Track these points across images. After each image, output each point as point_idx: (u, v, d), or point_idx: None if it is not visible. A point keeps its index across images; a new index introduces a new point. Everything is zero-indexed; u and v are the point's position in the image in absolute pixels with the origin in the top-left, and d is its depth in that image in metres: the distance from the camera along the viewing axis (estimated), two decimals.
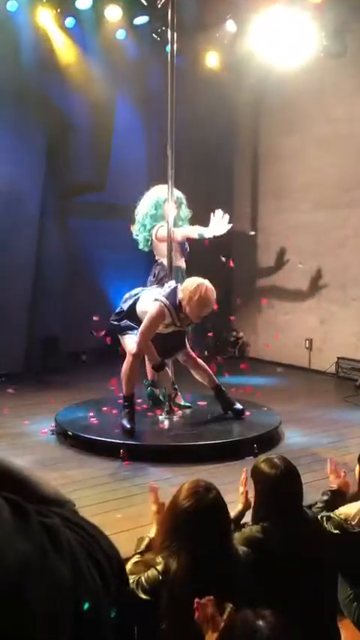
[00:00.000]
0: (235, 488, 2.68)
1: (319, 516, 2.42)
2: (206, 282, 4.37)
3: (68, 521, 0.71)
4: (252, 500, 2.44)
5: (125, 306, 4.76)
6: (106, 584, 0.70)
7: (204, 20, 7.34)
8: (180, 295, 4.37)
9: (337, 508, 2.53)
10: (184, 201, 5.30)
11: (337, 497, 2.64)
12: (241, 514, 2.45)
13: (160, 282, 4.93)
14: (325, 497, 2.64)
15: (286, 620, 1.47)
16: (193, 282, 4.39)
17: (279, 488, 2.22)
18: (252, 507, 2.35)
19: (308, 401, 6.28)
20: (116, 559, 0.75)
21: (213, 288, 4.37)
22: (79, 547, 0.69)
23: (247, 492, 2.50)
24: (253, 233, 7.92)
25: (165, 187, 4.99)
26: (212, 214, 4.90)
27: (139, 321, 4.58)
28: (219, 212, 4.87)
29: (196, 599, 1.61)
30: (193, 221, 5.34)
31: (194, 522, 1.87)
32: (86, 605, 0.66)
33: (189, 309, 4.34)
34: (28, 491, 0.72)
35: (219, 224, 4.84)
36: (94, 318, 5.98)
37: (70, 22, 7.02)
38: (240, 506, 2.46)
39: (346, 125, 7.50)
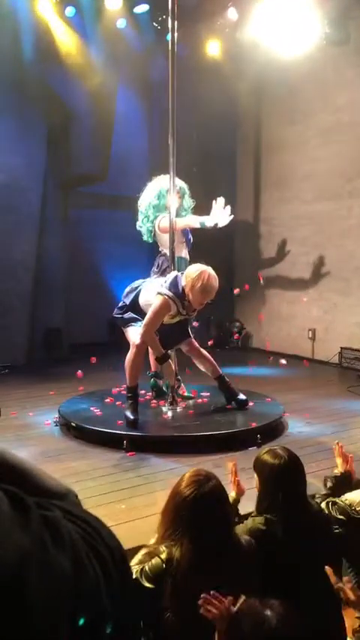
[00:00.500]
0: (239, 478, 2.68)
1: (324, 502, 2.45)
2: (209, 269, 4.37)
3: (69, 514, 0.71)
4: (244, 488, 2.48)
5: (127, 300, 4.75)
6: (107, 575, 0.69)
7: (205, 8, 7.27)
8: (183, 282, 4.36)
9: (342, 493, 2.55)
10: (187, 191, 5.27)
11: (342, 482, 2.65)
12: (236, 501, 2.45)
13: (163, 273, 4.92)
14: (330, 484, 2.65)
15: (294, 609, 1.48)
16: (195, 268, 4.39)
17: (282, 478, 2.22)
18: (256, 498, 2.35)
19: (312, 391, 6.28)
20: (118, 550, 0.74)
21: (215, 275, 4.38)
22: (80, 539, 0.68)
23: (238, 481, 2.51)
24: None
25: (167, 177, 4.97)
26: (214, 202, 4.88)
27: (142, 313, 4.57)
28: (220, 200, 4.85)
29: (203, 595, 1.62)
30: (195, 211, 5.31)
31: (196, 510, 1.89)
32: (85, 603, 0.66)
33: (192, 296, 4.34)
34: (29, 484, 0.72)
35: (220, 213, 4.82)
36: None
37: (70, 11, 6.97)
38: (233, 494, 2.45)
39: (349, 114, 7.45)
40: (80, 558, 0.66)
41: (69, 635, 0.63)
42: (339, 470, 2.72)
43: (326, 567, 1.86)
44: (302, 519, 2.17)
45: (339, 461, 2.75)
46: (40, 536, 0.63)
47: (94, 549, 0.69)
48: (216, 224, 4.83)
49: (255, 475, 2.36)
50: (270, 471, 2.24)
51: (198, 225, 4.91)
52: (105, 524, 0.76)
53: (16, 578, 0.59)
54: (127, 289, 4.85)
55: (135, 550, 2.07)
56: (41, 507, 0.67)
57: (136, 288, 4.77)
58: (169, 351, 4.75)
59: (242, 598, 1.56)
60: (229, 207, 4.82)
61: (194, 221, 4.95)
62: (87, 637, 0.67)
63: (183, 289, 4.37)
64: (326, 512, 2.40)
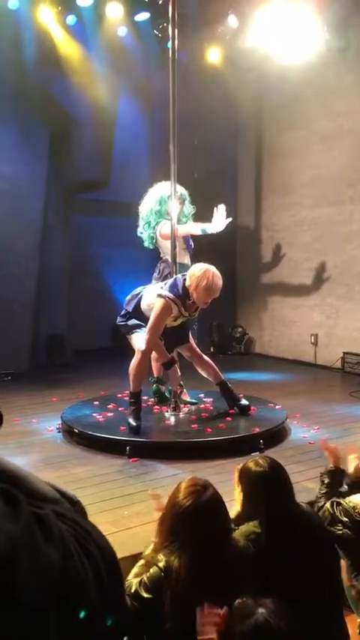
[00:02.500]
0: None
1: (329, 502, 2.46)
2: (212, 268, 4.40)
3: (62, 516, 0.73)
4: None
5: (130, 308, 4.76)
6: (97, 573, 0.71)
7: (205, 16, 7.32)
8: (187, 282, 4.38)
9: (340, 486, 2.58)
10: (187, 197, 5.30)
11: (337, 476, 2.67)
12: (241, 515, 2.46)
13: (164, 279, 4.93)
14: (327, 480, 2.66)
15: (287, 607, 1.48)
16: (200, 268, 4.41)
17: (264, 486, 2.26)
18: (240, 508, 2.38)
19: (314, 396, 6.28)
20: (108, 551, 0.76)
21: (219, 274, 4.41)
22: (71, 536, 0.70)
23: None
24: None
25: (168, 184, 4.99)
26: (215, 209, 4.90)
27: (145, 319, 4.59)
28: (221, 207, 4.88)
29: (198, 609, 1.62)
30: (197, 218, 5.34)
31: (195, 520, 1.89)
32: (75, 600, 0.67)
33: (196, 295, 4.36)
34: (22, 489, 0.73)
35: (221, 220, 4.86)
36: None
37: (71, 19, 7.01)
38: (239, 508, 2.47)
39: (349, 120, 7.48)
40: (70, 553, 0.68)
41: (60, 630, 0.64)
42: (331, 465, 2.74)
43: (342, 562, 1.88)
44: (285, 523, 2.18)
45: (326, 455, 2.78)
46: (30, 529, 0.65)
47: (84, 547, 0.71)
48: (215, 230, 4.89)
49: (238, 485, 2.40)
50: (254, 478, 2.29)
51: (199, 232, 4.95)
52: (97, 528, 0.78)
53: (4, 567, 0.60)
54: (129, 297, 4.86)
55: (137, 556, 2.07)
56: (32, 505, 0.69)
57: (138, 294, 4.79)
58: (175, 356, 4.76)
59: (230, 606, 1.57)
60: (223, 209, 4.86)
61: (195, 228, 5.00)
62: (78, 634, 0.69)
63: (185, 289, 4.38)
64: (331, 511, 2.42)
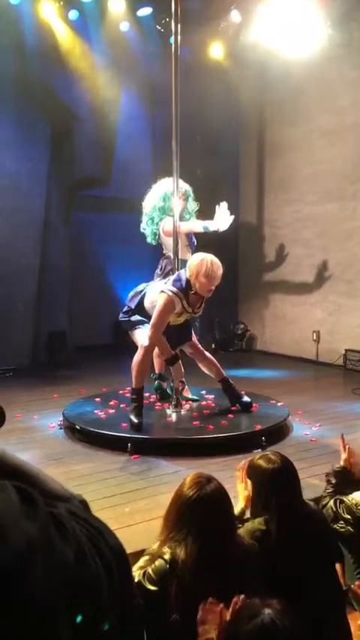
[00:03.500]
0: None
1: (332, 500, 2.45)
2: (210, 256, 4.41)
3: (74, 515, 0.74)
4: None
5: (132, 304, 4.74)
6: (109, 571, 0.73)
7: (208, 11, 7.28)
8: (187, 273, 4.38)
9: (346, 487, 2.57)
10: (191, 194, 5.28)
11: (344, 476, 2.66)
12: (242, 512, 2.46)
13: (166, 276, 4.92)
14: (334, 480, 2.65)
15: (293, 608, 1.48)
16: (197, 257, 4.43)
17: (276, 482, 2.25)
18: (250, 504, 2.37)
19: (316, 393, 6.27)
20: (119, 549, 0.78)
21: (218, 261, 4.41)
22: (83, 536, 0.72)
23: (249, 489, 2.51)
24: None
25: (170, 180, 4.97)
26: (217, 207, 4.89)
27: (148, 316, 4.57)
28: (223, 204, 4.87)
29: (202, 604, 1.62)
30: (199, 214, 5.32)
31: (199, 509, 1.91)
32: (85, 599, 0.69)
33: (198, 285, 4.36)
34: (36, 487, 0.73)
35: (224, 217, 4.85)
36: None
37: (73, 14, 6.99)
38: (241, 504, 2.47)
39: (353, 115, 7.44)
40: (83, 552, 0.70)
41: (71, 627, 0.66)
42: (341, 464, 2.73)
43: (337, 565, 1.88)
44: (295, 521, 2.17)
45: (343, 455, 2.77)
46: (46, 527, 0.67)
47: (97, 547, 0.73)
48: (218, 228, 4.87)
49: (248, 480, 2.40)
50: (264, 475, 2.27)
51: (202, 230, 4.95)
52: (107, 526, 0.79)
53: (22, 563, 0.62)
54: (132, 293, 4.84)
55: (139, 554, 2.07)
56: (47, 505, 0.70)
57: (141, 291, 4.77)
58: (178, 352, 4.75)
59: (239, 598, 1.57)
60: (224, 206, 4.85)
61: (198, 225, 4.99)
62: (86, 632, 0.69)
63: (187, 282, 4.38)
64: (334, 509, 2.42)
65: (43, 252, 7.64)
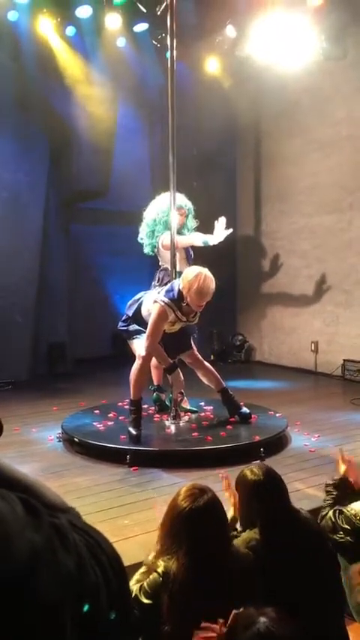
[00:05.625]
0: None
1: (332, 511, 2.46)
2: (205, 271, 4.40)
3: (74, 526, 0.75)
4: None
5: (130, 312, 4.79)
6: (107, 582, 0.73)
7: (204, 26, 7.36)
8: (180, 285, 4.39)
9: (344, 498, 2.58)
10: (192, 211, 5.33)
11: (343, 487, 2.66)
12: (234, 519, 2.47)
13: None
14: (334, 491, 2.66)
15: (289, 616, 1.48)
16: (192, 271, 4.43)
17: (259, 494, 2.26)
18: (239, 516, 2.38)
19: (315, 404, 6.27)
20: (117, 560, 0.78)
21: (212, 277, 4.40)
22: (83, 546, 0.73)
23: (234, 497, 2.52)
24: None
25: (178, 195, 5.01)
26: (216, 222, 4.92)
27: (145, 324, 4.60)
28: (222, 219, 4.90)
29: (196, 633, 1.62)
30: (197, 228, 5.35)
31: (191, 523, 1.90)
32: (87, 605, 0.70)
33: (189, 298, 4.37)
34: (36, 498, 0.74)
35: (222, 233, 4.89)
36: None
37: (70, 30, 7.07)
38: (232, 512, 2.48)
39: (347, 127, 7.51)
40: (84, 562, 0.71)
41: (75, 637, 0.67)
42: (338, 475, 2.74)
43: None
44: (284, 531, 2.18)
45: (342, 467, 2.77)
46: (50, 538, 0.67)
47: (96, 557, 0.74)
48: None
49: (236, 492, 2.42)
50: (250, 486, 2.30)
51: (201, 244, 5.00)
52: (105, 537, 0.80)
53: (27, 572, 0.63)
54: (130, 301, 4.90)
55: (137, 566, 2.07)
56: (49, 515, 0.71)
57: (139, 299, 4.82)
58: (176, 361, 4.76)
59: (234, 612, 1.57)
60: (223, 221, 4.89)
61: (197, 239, 5.03)
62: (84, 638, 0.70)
63: (179, 293, 4.39)
64: (333, 520, 2.42)
65: (42, 264, 7.67)
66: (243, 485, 2.34)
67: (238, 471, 2.43)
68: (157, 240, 5.20)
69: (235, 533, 2.30)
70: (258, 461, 4.08)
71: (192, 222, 5.33)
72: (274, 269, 8.72)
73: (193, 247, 5.23)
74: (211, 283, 4.38)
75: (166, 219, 5.12)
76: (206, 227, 5.15)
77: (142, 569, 1.99)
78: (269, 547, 2.12)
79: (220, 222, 4.92)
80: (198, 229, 5.27)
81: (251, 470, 2.35)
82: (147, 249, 5.32)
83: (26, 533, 0.65)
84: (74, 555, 0.69)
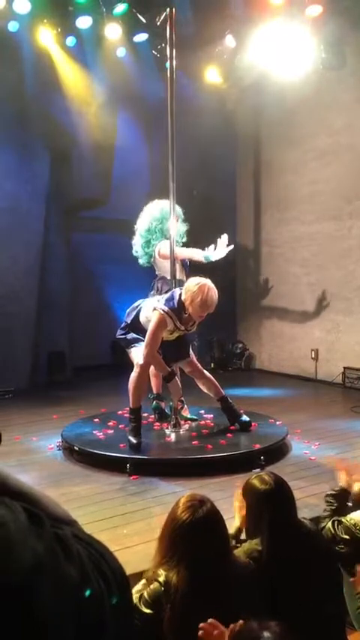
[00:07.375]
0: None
1: (330, 521, 2.44)
2: (208, 282, 4.40)
3: (77, 538, 0.75)
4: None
5: (129, 319, 4.79)
6: (110, 592, 0.74)
7: (203, 36, 7.40)
8: (183, 296, 4.39)
9: (343, 508, 2.56)
10: (182, 215, 5.33)
11: (343, 498, 2.66)
12: (239, 530, 2.45)
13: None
14: (333, 502, 2.65)
15: (292, 630, 1.47)
16: (195, 282, 4.41)
17: (269, 503, 2.24)
18: (245, 524, 2.36)
19: (315, 411, 6.26)
20: (119, 571, 0.78)
21: (215, 289, 4.40)
22: (86, 558, 0.73)
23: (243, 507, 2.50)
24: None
25: (164, 202, 5.02)
26: (218, 239, 4.91)
27: (144, 332, 4.60)
28: (224, 236, 4.89)
29: (201, 625, 1.61)
30: (196, 233, 5.35)
31: (191, 534, 1.90)
32: (90, 615, 0.70)
33: (192, 310, 4.37)
34: (40, 509, 0.75)
35: (224, 249, 4.88)
36: None
37: (70, 41, 7.11)
38: (237, 523, 2.46)
39: (347, 136, 7.55)
40: (87, 572, 0.71)
41: None
42: (341, 485, 2.73)
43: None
44: (289, 542, 2.16)
45: (342, 475, 2.77)
46: (53, 547, 0.68)
47: (98, 567, 0.74)
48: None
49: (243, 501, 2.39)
50: (259, 495, 2.26)
51: (202, 260, 4.95)
52: (109, 549, 0.81)
53: (29, 581, 0.63)
54: (129, 309, 4.90)
55: (137, 575, 2.06)
56: (53, 526, 0.72)
57: (137, 307, 4.81)
58: (174, 369, 4.75)
59: (239, 622, 1.56)
60: (225, 237, 4.88)
61: (198, 255, 4.98)
62: None
63: (180, 303, 4.39)
64: (332, 531, 2.41)
65: (43, 273, 7.69)
66: (252, 495, 2.30)
67: (239, 479, 2.42)
68: (154, 249, 5.19)
69: (235, 543, 2.29)
70: (258, 469, 4.07)
71: (182, 227, 5.31)
72: (274, 277, 8.73)
73: (192, 261, 5.21)
74: (215, 295, 4.39)
75: (160, 226, 5.12)
76: (206, 235, 5.14)
77: (143, 580, 1.99)
78: (272, 557, 2.10)
79: (223, 239, 4.90)
80: (198, 238, 5.27)
81: (260, 478, 2.31)
82: (142, 261, 5.31)
83: (29, 542, 0.65)
84: (77, 564, 0.70)
